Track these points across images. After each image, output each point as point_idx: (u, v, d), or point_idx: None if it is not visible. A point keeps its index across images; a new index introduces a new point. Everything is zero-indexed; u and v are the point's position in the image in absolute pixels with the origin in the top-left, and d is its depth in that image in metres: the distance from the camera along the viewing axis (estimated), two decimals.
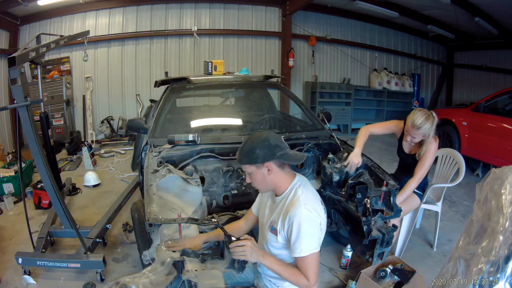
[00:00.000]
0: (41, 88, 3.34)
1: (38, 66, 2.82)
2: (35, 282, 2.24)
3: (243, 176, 2.41)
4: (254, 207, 1.76)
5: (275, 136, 1.52)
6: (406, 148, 2.51)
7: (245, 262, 1.40)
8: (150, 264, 1.47)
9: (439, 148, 2.53)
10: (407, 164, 2.49)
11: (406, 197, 2.28)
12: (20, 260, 2.24)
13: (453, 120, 4.88)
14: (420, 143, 2.35)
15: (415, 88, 8.27)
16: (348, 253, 2.44)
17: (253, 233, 2.13)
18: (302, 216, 1.40)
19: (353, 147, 2.53)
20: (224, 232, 1.42)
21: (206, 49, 6.73)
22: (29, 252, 2.38)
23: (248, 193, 2.44)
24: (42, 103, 3.22)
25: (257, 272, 1.69)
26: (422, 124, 2.20)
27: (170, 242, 1.59)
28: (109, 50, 6.28)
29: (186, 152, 2.30)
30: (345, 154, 2.35)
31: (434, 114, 2.24)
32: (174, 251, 1.51)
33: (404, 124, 2.39)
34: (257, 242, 1.80)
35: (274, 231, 1.51)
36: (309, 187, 1.56)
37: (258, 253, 1.40)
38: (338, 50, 7.62)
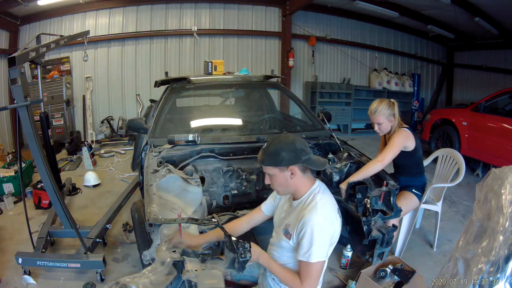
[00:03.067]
0: (41, 88, 3.34)
1: (38, 66, 2.82)
2: (35, 282, 2.24)
3: (243, 176, 2.41)
4: (265, 207, 1.76)
5: (301, 140, 1.53)
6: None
7: (245, 262, 1.40)
8: (150, 264, 1.47)
9: (439, 148, 2.55)
10: (393, 162, 2.48)
11: (358, 178, 2.09)
12: (20, 260, 2.24)
13: (453, 120, 4.88)
14: None
15: (415, 88, 8.26)
16: (348, 253, 2.44)
17: (254, 234, 2.13)
18: (316, 223, 1.40)
19: (353, 148, 2.54)
20: (224, 232, 1.42)
21: (206, 49, 6.73)
22: (29, 252, 2.38)
23: (248, 193, 2.44)
24: (42, 103, 3.22)
25: (262, 269, 1.70)
26: (377, 107, 2.33)
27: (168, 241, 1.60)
28: (109, 50, 6.28)
29: (186, 152, 2.30)
30: (345, 154, 2.35)
31: (391, 100, 2.37)
32: (174, 251, 1.51)
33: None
34: (257, 243, 1.81)
35: (287, 234, 1.51)
36: (328, 194, 1.55)
37: (262, 255, 1.47)
38: (338, 50, 7.62)
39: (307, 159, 1.47)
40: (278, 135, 1.56)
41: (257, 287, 1.73)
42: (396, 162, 2.48)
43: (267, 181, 1.56)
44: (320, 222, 1.41)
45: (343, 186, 2.07)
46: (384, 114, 2.32)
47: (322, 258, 1.41)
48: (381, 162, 2.15)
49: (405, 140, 2.29)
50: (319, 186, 1.54)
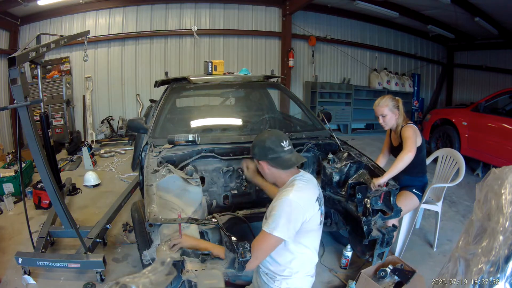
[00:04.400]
0: (41, 88, 3.33)
1: (38, 66, 2.82)
2: (35, 282, 2.24)
3: (243, 177, 2.41)
4: None
5: (275, 139, 1.60)
6: (394, 142, 2.58)
7: (245, 262, 1.40)
8: (150, 264, 1.47)
9: (438, 148, 2.55)
10: None
11: (389, 177, 2.12)
12: (20, 260, 2.24)
13: (453, 120, 4.88)
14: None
15: (415, 88, 8.27)
16: (348, 253, 2.44)
17: (254, 234, 2.13)
18: (286, 199, 1.48)
19: (353, 148, 2.54)
20: (224, 233, 1.43)
21: (206, 49, 6.73)
22: (29, 252, 2.38)
23: (248, 193, 2.44)
24: (42, 103, 3.22)
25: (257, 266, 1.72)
26: (381, 99, 2.45)
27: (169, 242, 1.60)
28: (109, 50, 6.28)
29: (186, 152, 2.29)
30: (345, 154, 2.35)
31: (390, 95, 2.49)
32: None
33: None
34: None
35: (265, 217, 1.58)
36: (310, 181, 1.62)
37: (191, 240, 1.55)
38: (338, 50, 7.62)
39: (274, 158, 1.58)
40: (265, 130, 1.73)
41: (251, 285, 1.75)
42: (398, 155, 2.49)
43: (260, 168, 1.70)
44: (291, 199, 1.47)
45: (377, 181, 2.05)
46: (387, 106, 2.39)
47: (275, 232, 1.45)
48: (411, 151, 2.21)
49: (416, 134, 2.34)
50: (302, 174, 1.63)
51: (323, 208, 1.66)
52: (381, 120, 2.47)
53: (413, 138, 2.29)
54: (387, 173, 2.10)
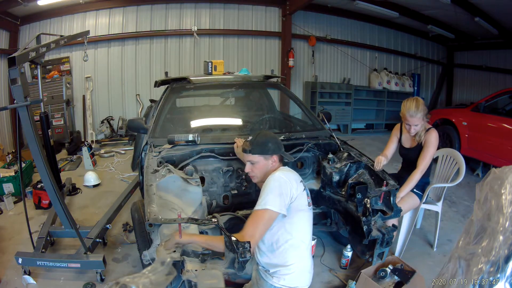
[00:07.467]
0: (41, 88, 3.33)
1: (38, 66, 2.81)
2: (35, 282, 2.24)
3: (243, 176, 2.41)
4: None
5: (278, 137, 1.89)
6: (407, 143, 2.54)
7: (245, 262, 1.40)
8: (150, 264, 1.47)
9: (439, 148, 2.55)
10: (411, 160, 2.50)
11: (409, 190, 2.25)
12: (20, 260, 2.24)
13: (453, 120, 4.88)
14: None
15: (415, 88, 8.26)
16: (348, 253, 2.44)
17: None
18: (273, 176, 1.65)
19: (353, 148, 2.54)
20: (224, 233, 1.43)
21: (206, 49, 6.73)
22: (29, 252, 2.38)
23: (248, 193, 2.44)
24: (42, 103, 3.21)
25: (255, 265, 1.76)
26: (416, 110, 2.30)
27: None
28: (109, 50, 6.28)
29: (186, 152, 2.30)
30: (345, 154, 2.35)
31: (419, 98, 2.38)
32: (174, 251, 1.52)
33: (401, 124, 2.55)
34: None
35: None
36: (293, 172, 1.78)
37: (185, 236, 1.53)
38: (338, 50, 7.62)
39: (284, 152, 1.85)
40: (260, 131, 1.87)
41: (250, 282, 1.76)
42: (410, 158, 2.49)
43: (247, 169, 1.83)
44: (276, 176, 1.65)
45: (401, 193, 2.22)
46: (422, 116, 2.32)
47: (268, 206, 1.54)
48: (423, 172, 2.32)
49: (437, 142, 2.35)
50: (285, 167, 1.83)
51: (308, 190, 1.79)
52: (412, 130, 2.37)
53: (433, 150, 2.31)
54: (403, 187, 2.23)
